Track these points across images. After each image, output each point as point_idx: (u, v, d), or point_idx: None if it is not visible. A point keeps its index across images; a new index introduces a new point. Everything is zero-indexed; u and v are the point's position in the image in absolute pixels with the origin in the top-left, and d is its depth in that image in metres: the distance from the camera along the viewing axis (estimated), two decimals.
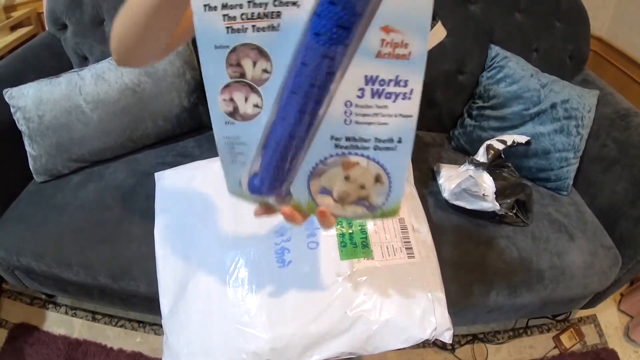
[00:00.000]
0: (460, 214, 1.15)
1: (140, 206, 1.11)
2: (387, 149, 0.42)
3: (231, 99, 0.42)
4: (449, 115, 1.49)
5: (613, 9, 1.87)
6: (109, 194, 1.16)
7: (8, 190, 1.20)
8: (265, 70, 0.40)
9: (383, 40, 0.37)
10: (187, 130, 1.37)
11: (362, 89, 0.40)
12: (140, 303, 1.15)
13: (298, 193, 0.47)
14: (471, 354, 1.40)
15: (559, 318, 1.53)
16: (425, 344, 1.23)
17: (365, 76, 0.39)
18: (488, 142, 1.11)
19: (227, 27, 0.39)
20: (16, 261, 1.10)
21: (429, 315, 0.70)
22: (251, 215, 0.75)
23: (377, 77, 0.39)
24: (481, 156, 1.09)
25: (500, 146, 1.10)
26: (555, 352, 1.43)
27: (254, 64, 0.40)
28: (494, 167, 1.15)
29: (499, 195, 1.09)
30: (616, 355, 1.44)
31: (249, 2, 0.37)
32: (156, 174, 0.96)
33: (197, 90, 1.33)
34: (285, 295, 0.69)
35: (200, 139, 1.37)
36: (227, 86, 0.42)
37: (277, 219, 0.78)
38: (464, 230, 1.14)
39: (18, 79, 1.22)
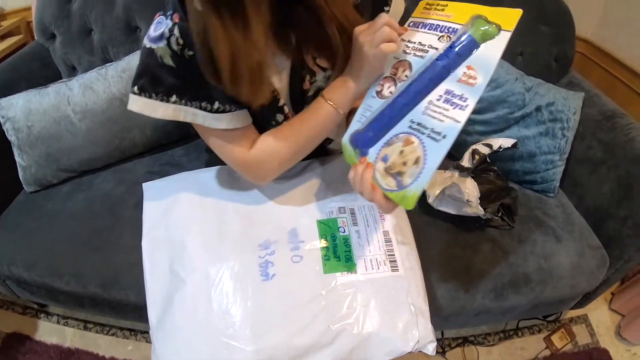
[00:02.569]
0: (446, 218, 1.16)
1: (129, 215, 1.12)
2: (435, 139, 0.59)
3: (382, 84, 0.68)
4: None
5: (601, 12, 1.88)
6: (98, 203, 1.18)
7: None
8: (406, 75, 0.65)
9: (464, 72, 0.59)
10: (175, 140, 1.38)
11: (441, 96, 0.61)
12: (130, 312, 1.15)
13: (372, 154, 0.66)
14: (462, 356, 1.41)
15: (549, 319, 1.53)
16: None
17: (447, 89, 0.60)
18: (473, 146, 1.12)
19: (403, 50, 0.66)
20: (7, 271, 1.10)
21: (411, 328, 0.71)
22: (236, 229, 0.76)
23: (452, 91, 0.60)
24: (466, 161, 1.09)
25: (486, 150, 1.11)
26: (547, 352, 1.44)
27: (404, 70, 0.66)
28: (480, 171, 1.16)
29: (485, 199, 1.10)
30: (608, 354, 1.45)
31: (419, 42, 0.66)
32: (144, 185, 0.95)
33: None
34: (269, 309, 0.70)
35: (188, 148, 1.38)
36: (385, 77, 0.68)
37: (262, 233, 0.80)
38: (449, 234, 1.15)
39: (9, 89, 1.24)
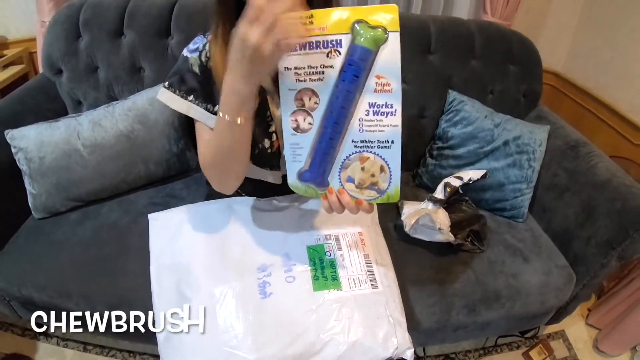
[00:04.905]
0: (421, 245, 1.25)
1: (135, 243, 1.18)
2: (385, 147, 0.66)
3: (295, 120, 0.68)
4: (413, 156, 1.60)
5: (568, 46, 2.03)
6: (105, 231, 1.23)
7: (7, 225, 1.25)
8: (315, 102, 0.66)
9: (377, 82, 0.63)
10: (175, 173, 1.46)
11: (367, 110, 0.65)
12: (134, 333, 1.15)
13: (333, 182, 0.71)
14: None
15: (527, 335, 1.61)
16: None
17: (369, 102, 0.65)
18: (446, 179, 1.23)
19: (296, 79, 0.66)
20: (17, 292, 1.14)
21: (390, 336, 0.81)
22: (237, 254, 0.87)
23: (375, 103, 0.65)
24: (439, 193, 1.21)
25: (457, 183, 1.22)
26: None
27: (310, 98, 0.66)
28: (453, 201, 1.28)
29: (457, 226, 1.21)
30: None
31: (308, 66, 0.65)
32: (150, 216, 1.03)
33: (185, 137, 1.41)
34: (268, 322, 0.79)
35: (188, 181, 1.45)
36: (293, 112, 0.68)
37: (259, 258, 0.90)
38: (425, 259, 1.25)
39: (17, 120, 1.30)
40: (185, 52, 0.88)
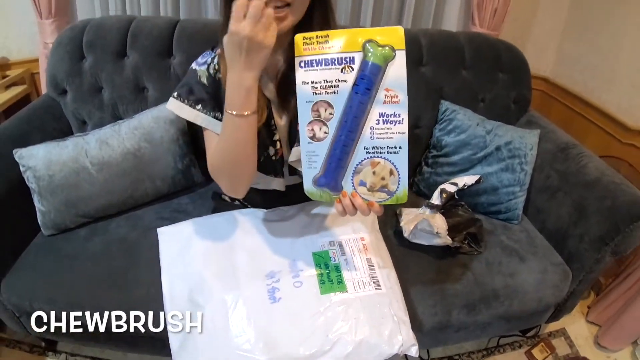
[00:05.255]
0: (421, 249, 1.29)
1: (145, 255, 1.20)
2: (394, 152, 0.72)
3: (312, 129, 0.74)
4: (409, 164, 1.63)
5: (555, 52, 2.09)
6: (115, 245, 1.26)
7: (17, 242, 1.27)
8: (330, 113, 0.72)
9: (386, 95, 0.70)
10: (181, 189, 1.49)
11: (378, 120, 0.71)
12: (145, 343, 1.20)
13: (346, 186, 0.76)
14: None
15: (529, 334, 1.63)
16: None
17: (379, 113, 0.71)
18: (441, 186, 1.27)
19: (313, 92, 0.72)
20: (29, 306, 1.14)
21: (395, 334, 0.85)
22: (246, 262, 0.91)
23: (385, 113, 0.71)
24: (436, 199, 1.25)
25: (453, 188, 1.26)
26: None
27: (325, 109, 0.72)
28: (449, 206, 1.32)
29: (454, 230, 1.25)
30: None
31: (324, 81, 0.71)
32: (159, 230, 1.08)
33: (190, 154, 1.45)
34: (278, 325, 0.84)
35: (193, 196, 1.48)
36: (310, 122, 0.74)
37: (268, 265, 0.95)
38: (424, 262, 1.29)
39: (24, 139, 1.32)
40: (194, 65, 0.96)
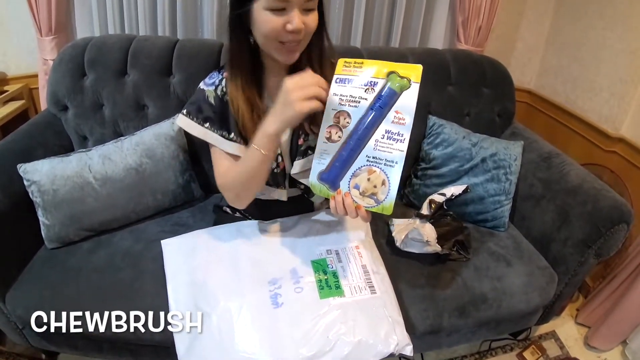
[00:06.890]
0: (412, 257, 1.34)
1: (149, 267, 1.22)
2: (390, 166, 0.81)
3: (329, 132, 0.84)
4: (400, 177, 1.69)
5: (538, 65, 2.17)
6: (119, 257, 1.28)
7: (21, 256, 1.28)
8: (347, 122, 0.83)
9: (395, 115, 0.80)
10: (181, 203, 1.53)
11: (383, 135, 0.80)
12: (149, 353, 1.22)
13: (343, 186, 0.84)
14: None
15: (519, 337, 1.69)
16: None
17: (386, 129, 0.80)
18: (430, 197, 1.33)
19: (339, 102, 0.84)
20: (34, 318, 1.13)
21: (391, 334, 0.91)
22: (248, 270, 0.97)
23: (390, 130, 0.80)
24: (425, 209, 1.31)
25: (441, 199, 1.33)
26: None
27: (344, 118, 0.83)
28: (438, 216, 1.38)
29: (443, 238, 1.31)
30: None
31: (350, 96, 0.83)
32: (162, 242, 1.13)
33: (190, 169, 1.49)
34: (281, 329, 0.89)
35: (193, 210, 1.52)
36: (330, 125, 0.84)
37: (270, 272, 1.00)
38: (416, 269, 1.34)
39: (27, 154, 1.35)
40: (202, 85, 1.03)
